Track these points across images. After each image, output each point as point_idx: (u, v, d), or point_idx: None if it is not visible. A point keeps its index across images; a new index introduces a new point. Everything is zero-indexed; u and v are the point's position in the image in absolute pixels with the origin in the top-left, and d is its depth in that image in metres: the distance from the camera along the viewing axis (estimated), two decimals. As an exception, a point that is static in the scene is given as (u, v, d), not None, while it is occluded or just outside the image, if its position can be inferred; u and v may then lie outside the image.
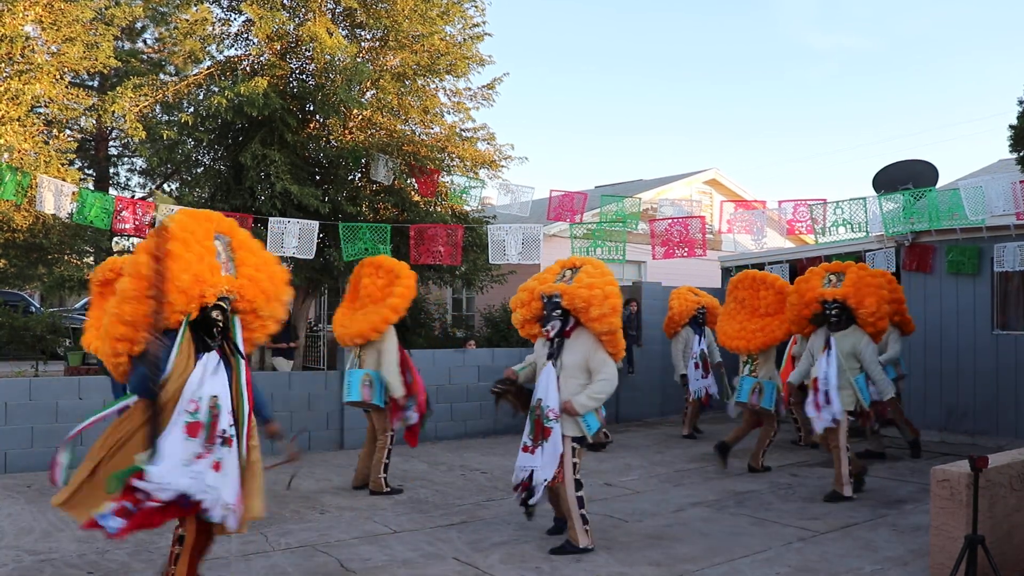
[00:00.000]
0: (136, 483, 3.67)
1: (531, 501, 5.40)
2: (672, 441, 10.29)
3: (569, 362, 5.35)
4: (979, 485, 4.44)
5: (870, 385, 7.22)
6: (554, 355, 5.39)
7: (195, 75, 11.30)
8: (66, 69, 9.99)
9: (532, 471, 5.35)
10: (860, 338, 7.10)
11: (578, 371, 5.34)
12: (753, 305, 8.52)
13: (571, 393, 5.29)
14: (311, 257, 9.33)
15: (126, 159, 15.65)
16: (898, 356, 9.09)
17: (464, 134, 12.11)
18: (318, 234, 9.09)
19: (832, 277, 7.34)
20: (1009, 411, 9.68)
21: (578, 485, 5.39)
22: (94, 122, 11.42)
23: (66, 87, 10.07)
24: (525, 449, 5.42)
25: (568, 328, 5.40)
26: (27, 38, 9.47)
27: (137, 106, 10.36)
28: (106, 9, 11.08)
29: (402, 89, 11.35)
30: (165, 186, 15.24)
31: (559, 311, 5.38)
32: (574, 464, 5.37)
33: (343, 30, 11.41)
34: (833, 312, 7.15)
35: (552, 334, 5.40)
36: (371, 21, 11.16)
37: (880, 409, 7.15)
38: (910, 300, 10.83)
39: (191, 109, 11.22)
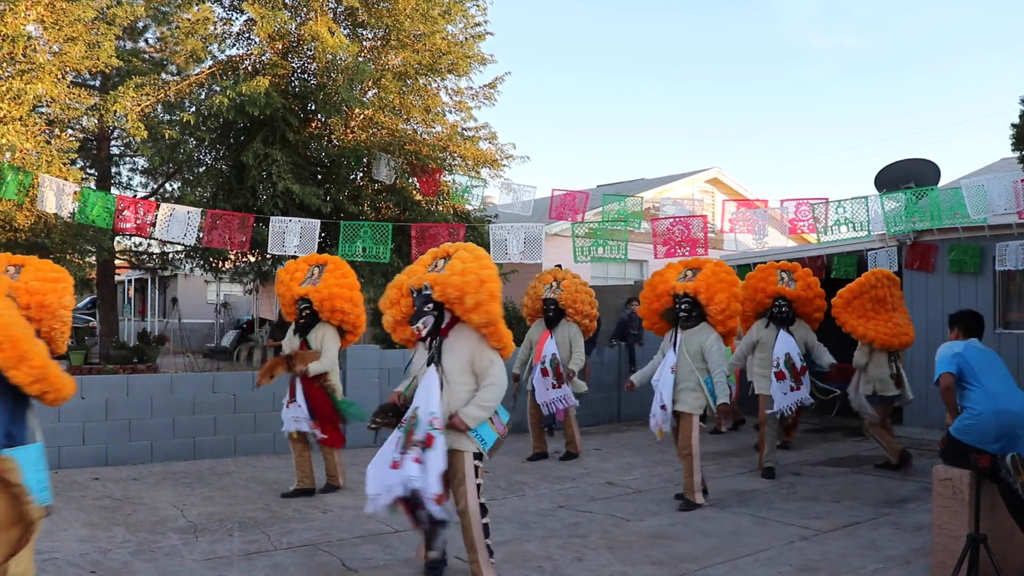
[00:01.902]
0: None
1: (435, 518, 4.42)
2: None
3: (451, 365, 4.56)
4: (981, 484, 4.45)
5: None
6: (434, 359, 4.58)
7: (197, 74, 11.31)
8: (68, 69, 9.98)
9: (413, 490, 4.31)
10: (707, 335, 6.68)
11: (463, 375, 4.55)
12: (892, 303, 8.41)
13: (459, 403, 4.50)
14: (312, 256, 9.34)
15: (128, 158, 15.63)
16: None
17: (466, 133, 12.12)
18: (320, 233, 9.10)
19: (688, 272, 6.98)
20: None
21: (483, 510, 4.60)
22: (96, 122, 11.41)
23: (68, 87, 10.06)
24: (394, 466, 4.38)
25: (445, 325, 4.63)
26: (29, 38, 9.47)
27: (139, 106, 10.37)
28: (108, 8, 11.07)
29: (404, 88, 11.36)
30: (167, 185, 15.24)
31: (431, 304, 4.58)
32: (478, 486, 4.58)
33: (345, 29, 11.42)
34: (683, 307, 6.77)
35: (425, 332, 4.58)
36: (373, 20, 11.18)
37: (724, 409, 6.65)
38: (912, 299, 10.83)
39: (193, 108, 11.23)
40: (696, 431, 6.66)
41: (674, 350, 6.73)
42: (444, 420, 4.43)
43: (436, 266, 4.73)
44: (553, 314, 8.72)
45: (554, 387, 8.56)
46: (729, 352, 10.23)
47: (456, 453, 4.53)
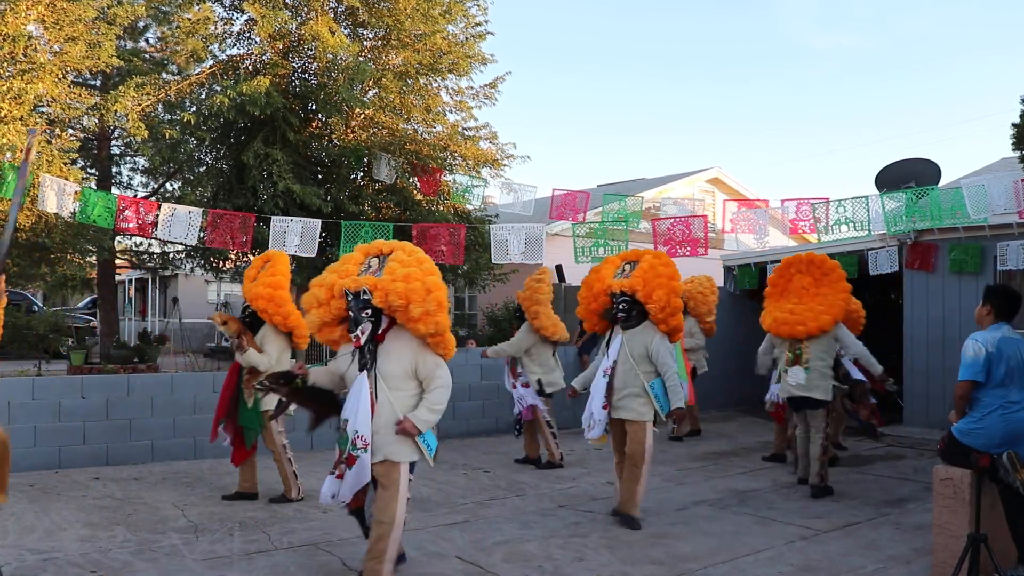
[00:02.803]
0: None
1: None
2: (674, 440, 10.28)
3: (391, 371, 4.37)
4: (982, 484, 4.44)
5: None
6: (368, 364, 4.37)
7: (197, 74, 11.32)
8: (68, 68, 9.99)
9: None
10: (652, 336, 6.03)
11: (406, 381, 4.39)
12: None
13: (406, 408, 4.36)
14: (313, 255, 9.33)
15: (128, 158, 15.64)
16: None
17: (466, 133, 12.13)
18: (320, 233, 9.10)
19: (626, 267, 6.30)
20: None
21: (404, 525, 4.49)
22: (96, 121, 11.42)
23: (68, 86, 10.06)
24: (338, 476, 4.47)
25: (381, 330, 4.41)
26: (29, 37, 9.47)
27: (139, 105, 10.37)
28: (108, 8, 11.08)
29: (404, 88, 11.37)
30: (168, 185, 15.26)
31: (370, 311, 4.34)
32: (407, 499, 4.49)
33: (345, 29, 11.43)
34: (621, 307, 6.11)
35: (364, 340, 4.35)
36: (373, 20, 11.18)
37: (679, 414, 6.18)
38: (913, 299, 10.84)
39: (193, 108, 11.23)
40: (650, 439, 6.06)
41: (607, 352, 6.22)
42: (371, 437, 4.32)
43: (370, 267, 4.50)
44: (519, 315, 8.68)
45: (513, 387, 8.50)
46: (679, 351, 10.11)
47: (392, 464, 4.39)
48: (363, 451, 4.34)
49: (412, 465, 4.48)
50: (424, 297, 4.25)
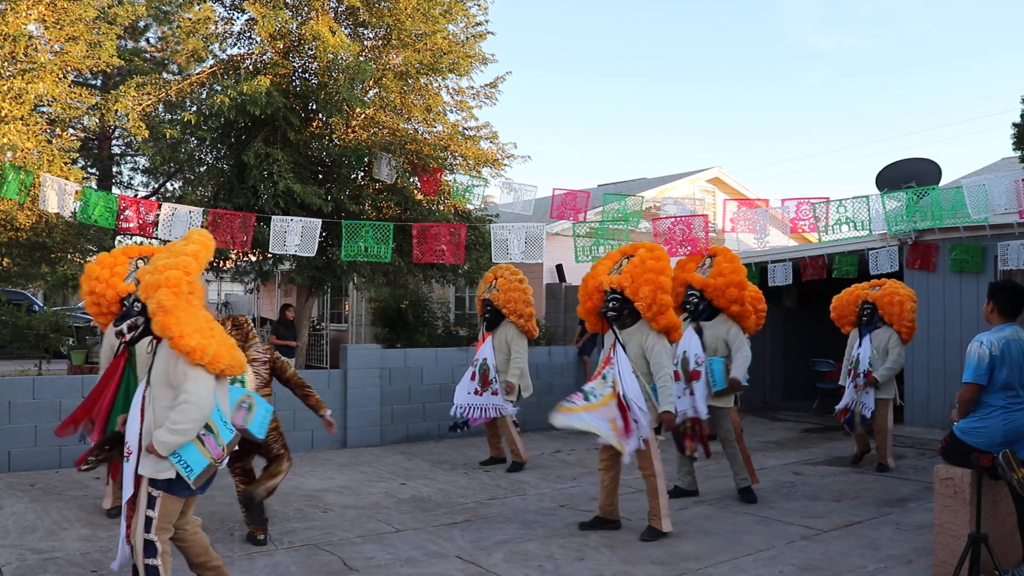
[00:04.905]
0: None
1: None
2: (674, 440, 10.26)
3: (155, 376, 3.84)
4: (982, 484, 4.44)
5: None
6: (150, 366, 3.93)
7: (198, 74, 11.32)
8: (69, 68, 10.01)
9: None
10: (646, 335, 5.67)
11: (164, 388, 3.79)
12: None
13: (159, 423, 3.76)
14: (313, 255, 9.33)
15: (129, 158, 15.69)
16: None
17: (467, 133, 12.12)
18: (320, 232, 9.10)
19: (624, 261, 5.90)
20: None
21: (149, 548, 3.79)
22: (97, 121, 11.44)
23: (69, 86, 10.08)
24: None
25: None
26: (30, 37, 9.49)
27: (140, 105, 10.37)
28: (109, 8, 11.11)
29: (405, 88, 11.36)
30: (168, 185, 15.28)
31: (139, 304, 3.88)
32: (148, 519, 3.78)
33: (346, 29, 11.42)
34: (611, 304, 5.74)
35: (129, 337, 3.95)
36: (374, 20, 11.18)
37: (667, 418, 5.60)
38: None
39: (194, 108, 11.23)
40: (656, 449, 5.71)
41: (614, 352, 5.71)
42: (138, 444, 3.83)
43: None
44: (490, 316, 8.22)
45: (476, 393, 7.97)
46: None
47: (140, 478, 3.84)
48: (126, 460, 3.89)
49: (169, 483, 3.78)
50: (152, 294, 3.78)
